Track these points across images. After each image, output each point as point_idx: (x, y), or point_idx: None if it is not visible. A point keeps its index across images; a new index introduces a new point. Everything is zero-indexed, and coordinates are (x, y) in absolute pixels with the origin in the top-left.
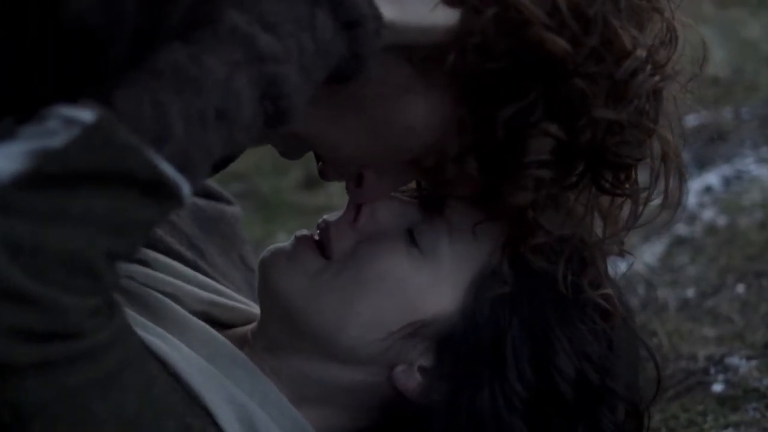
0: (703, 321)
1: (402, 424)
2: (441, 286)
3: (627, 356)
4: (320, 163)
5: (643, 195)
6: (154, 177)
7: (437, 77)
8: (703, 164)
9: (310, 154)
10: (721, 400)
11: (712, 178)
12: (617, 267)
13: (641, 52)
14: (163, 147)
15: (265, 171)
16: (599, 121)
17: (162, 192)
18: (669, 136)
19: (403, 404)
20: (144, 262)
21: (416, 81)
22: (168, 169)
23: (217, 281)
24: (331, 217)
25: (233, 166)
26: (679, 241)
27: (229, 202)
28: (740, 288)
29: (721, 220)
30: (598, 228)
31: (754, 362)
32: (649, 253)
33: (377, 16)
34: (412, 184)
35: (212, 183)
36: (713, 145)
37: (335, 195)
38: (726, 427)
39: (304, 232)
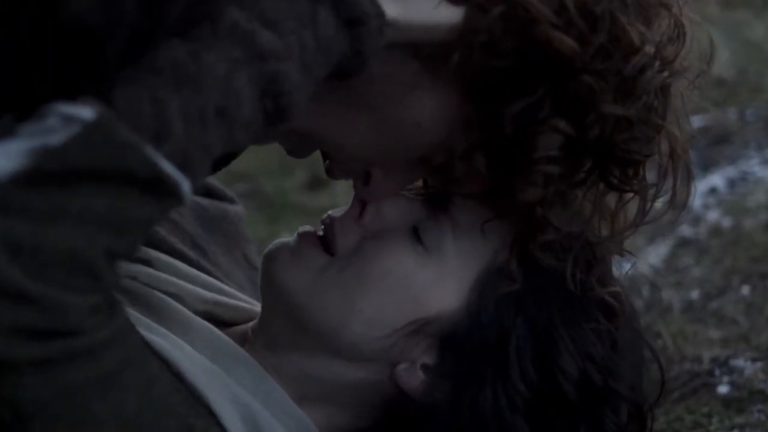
0: (707, 323)
1: (404, 423)
2: (445, 284)
3: (631, 357)
4: (327, 161)
5: (651, 192)
6: (153, 175)
7: (444, 74)
8: (707, 166)
9: (316, 155)
10: (726, 402)
11: (717, 179)
12: (621, 268)
13: (649, 48)
14: (163, 145)
15: (269, 171)
16: (608, 117)
17: (162, 190)
18: (677, 133)
19: (406, 402)
20: (147, 262)
21: (423, 78)
22: (167, 167)
23: (221, 280)
24: (335, 213)
25: (238, 166)
26: (684, 243)
27: (232, 201)
28: (745, 289)
29: (726, 222)
30: (605, 229)
31: (759, 364)
32: (653, 255)
33: (380, 14)
34: (419, 182)
35: (215, 182)
36: (718, 146)
37: (340, 195)
38: (731, 429)
39: (308, 228)
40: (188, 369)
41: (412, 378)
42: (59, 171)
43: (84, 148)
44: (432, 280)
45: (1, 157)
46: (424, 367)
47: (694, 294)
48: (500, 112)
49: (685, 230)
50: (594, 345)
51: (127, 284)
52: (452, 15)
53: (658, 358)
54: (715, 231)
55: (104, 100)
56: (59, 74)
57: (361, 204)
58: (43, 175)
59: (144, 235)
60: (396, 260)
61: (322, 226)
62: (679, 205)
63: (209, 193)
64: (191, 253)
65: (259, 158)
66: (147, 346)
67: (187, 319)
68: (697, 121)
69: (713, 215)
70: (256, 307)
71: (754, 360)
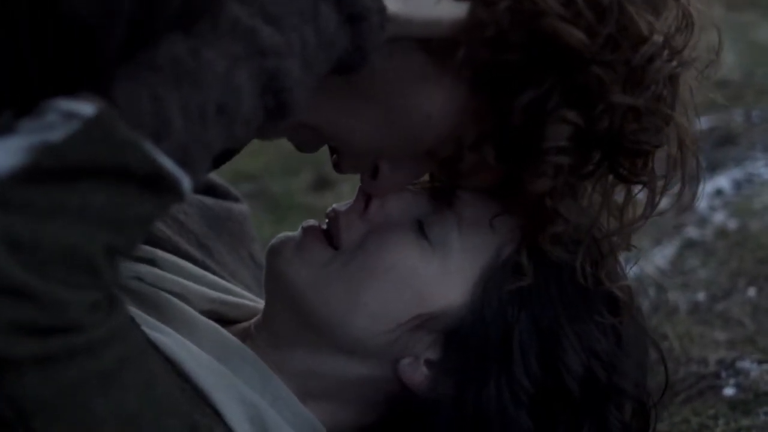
0: (714, 324)
1: (407, 420)
2: (450, 279)
3: (636, 354)
4: (334, 155)
5: (660, 183)
6: (153, 171)
7: (451, 66)
8: (713, 167)
9: (321, 156)
10: (732, 404)
11: (723, 181)
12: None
13: (658, 38)
14: (163, 141)
15: (275, 172)
16: (617, 107)
17: (161, 186)
18: (686, 123)
19: (409, 399)
20: (152, 262)
21: (431, 69)
22: (167, 164)
23: (226, 280)
24: (340, 207)
25: (243, 167)
26: (690, 244)
27: (237, 200)
28: (751, 291)
29: (732, 224)
30: (613, 223)
31: (765, 366)
32: (659, 256)
33: (381, 9)
34: (425, 177)
35: (221, 181)
36: (724, 148)
37: (345, 196)
38: (737, 431)
39: (313, 222)
40: (194, 369)
41: (416, 373)
42: (59, 167)
43: (84, 144)
44: (436, 275)
45: (0, 153)
46: (428, 363)
47: (701, 296)
48: (509, 103)
49: (691, 232)
50: (598, 341)
51: (132, 284)
52: (454, 10)
53: (663, 356)
54: (721, 233)
55: (104, 96)
56: (59, 73)
57: (365, 198)
58: (42, 171)
59: (144, 231)
60: (400, 255)
61: (327, 220)
62: (688, 198)
63: (214, 192)
64: (197, 253)
65: (265, 159)
66: (150, 344)
67: (193, 319)
68: (703, 123)
69: (719, 217)
70: (262, 305)
71: (760, 362)
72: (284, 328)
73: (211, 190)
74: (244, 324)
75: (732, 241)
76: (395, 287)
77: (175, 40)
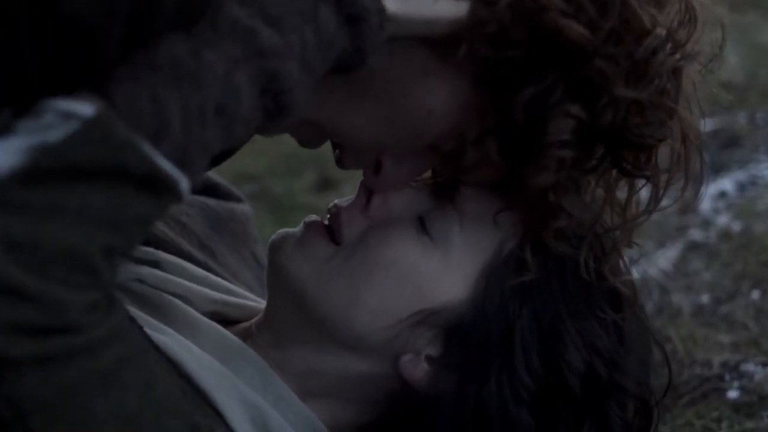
0: (717, 327)
1: (408, 418)
2: (451, 275)
3: (638, 352)
4: (337, 151)
5: (664, 178)
6: (151, 172)
7: (453, 62)
8: (717, 170)
9: (323, 157)
10: (736, 406)
11: (727, 183)
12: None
13: (660, 31)
14: (161, 142)
15: (278, 173)
16: (620, 101)
17: (159, 187)
18: (689, 118)
19: (409, 395)
20: (155, 264)
21: (433, 64)
22: (165, 165)
23: (229, 281)
24: (342, 202)
25: (246, 167)
26: (694, 247)
27: (239, 200)
28: (755, 294)
29: (736, 226)
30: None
31: None
32: (663, 259)
33: (381, 10)
34: (427, 174)
35: (223, 181)
36: (727, 150)
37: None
38: None
39: (315, 217)
40: (195, 370)
41: (416, 369)
42: (58, 168)
43: (83, 145)
44: (437, 270)
45: (0, 154)
46: (429, 359)
47: (704, 298)
48: (511, 98)
49: (695, 234)
50: (600, 338)
51: (135, 287)
52: (453, 9)
53: (667, 356)
54: (725, 235)
55: (103, 96)
56: (59, 73)
57: (367, 194)
58: (41, 172)
59: (143, 232)
60: (401, 250)
61: (328, 216)
62: (691, 194)
63: (216, 192)
64: (199, 254)
65: (268, 159)
66: (151, 345)
67: (196, 321)
68: (706, 125)
69: (723, 219)
70: (264, 306)
71: (764, 365)
72: (286, 324)
73: (213, 190)
74: (245, 324)
75: (736, 244)
76: (396, 283)
77: (175, 40)
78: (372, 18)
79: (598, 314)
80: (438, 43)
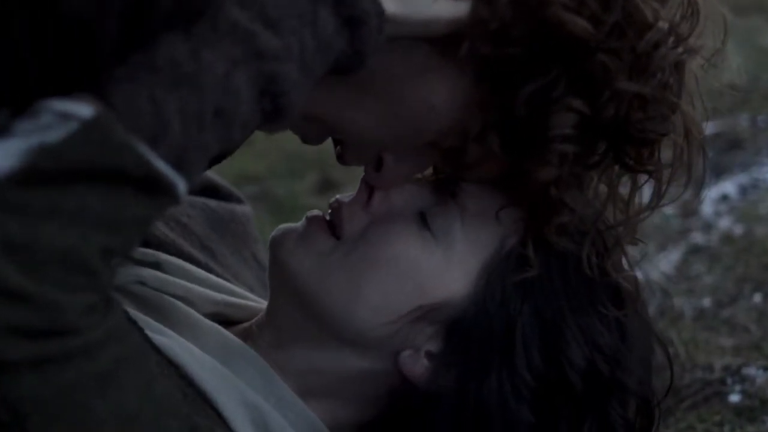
0: (719, 331)
1: (408, 415)
2: (452, 270)
3: (640, 351)
4: (338, 147)
5: (666, 173)
6: (149, 174)
7: (454, 58)
8: (719, 173)
9: (325, 158)
10: (737, 410)
11: (729, 186)
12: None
13: (663, 25)
14: (160, 143)
15: (279, 174)
16: (623, 95)
17: (157, 189)
18: (692, 112)
19: (409, 392)
20: (156, 265)
21: (434, 61)
22: (162, 167)
23: (230, 282)
24: (344, 197)
25: (248, 169)
26: (696, 250)
27: (239, 201)
28: (757, 297)
29: (738, 229)
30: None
31: None
32: (665, 262)
33: (380, 12)
34: (428, 170)
35: (224, 182)
36: (730, 153)
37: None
38: None
39: (317, 212)
40: (197, 372)
41: (417, 365)
42: (56, 169)
43: (81, 146)
44: (438, 266)
45: None
46: (429, 355)
47: (706, 301)
48: (513, 94)
49: (697, 237)
50: (602, 335)
51: (136, 289)
52: (453, 9)
53: (669, 357)
54: (727, 238)
55: (102, 97)
56: (59, 73)
57: (369, 190)
58: (39, 173)
59: (141, 233)
60: (402, 246)
61: (330, 211)
62: (694, 192)
63: (217, 193)
64: (200, 255)
65: (269, 161)
66: (151, 346)
67: (197, 322)
68: (709, 128)
69: (725, 222)
70: (265, 306)
71: (766, 369)
72: (286, 321)
73: (214, 191)
74: (245, 324)
75: (738, 247)
76: (397, 278)
77: (174, 40)
78: (371, 20)
79: (600, 311)
80: (438, 40)
